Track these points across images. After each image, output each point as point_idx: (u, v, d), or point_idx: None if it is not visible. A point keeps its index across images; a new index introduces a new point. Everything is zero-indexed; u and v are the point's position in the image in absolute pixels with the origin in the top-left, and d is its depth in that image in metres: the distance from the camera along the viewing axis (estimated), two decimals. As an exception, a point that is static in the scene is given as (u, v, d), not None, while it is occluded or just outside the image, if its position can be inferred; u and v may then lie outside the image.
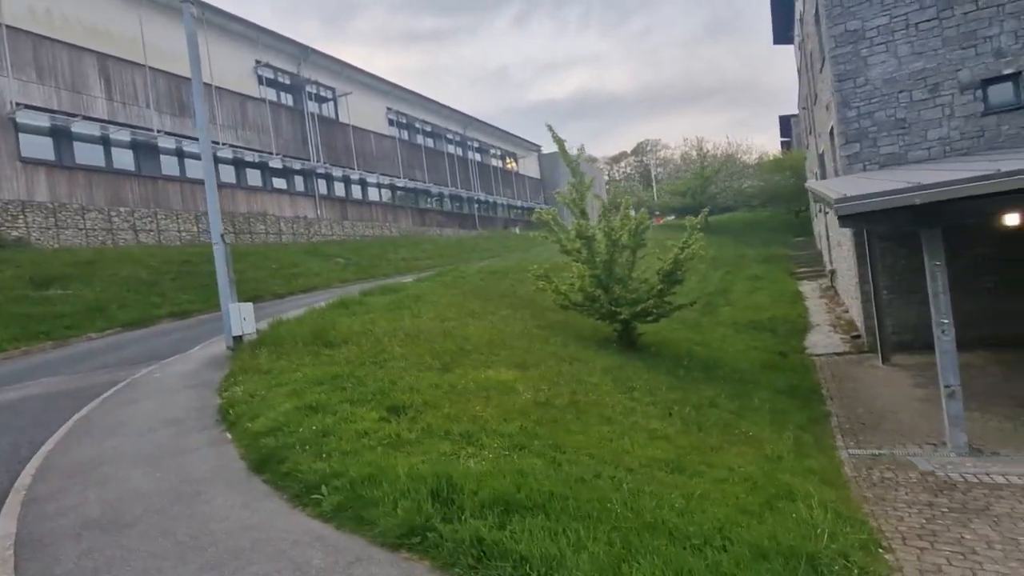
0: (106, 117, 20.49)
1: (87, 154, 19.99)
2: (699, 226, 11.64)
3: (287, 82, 29.08)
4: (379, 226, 33.58)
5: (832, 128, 14.03)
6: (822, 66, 14.82)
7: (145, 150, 21.69)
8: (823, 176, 17.51)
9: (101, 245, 19.52)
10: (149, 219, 21.41)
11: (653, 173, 57.46)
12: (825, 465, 6.37)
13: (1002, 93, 11.75)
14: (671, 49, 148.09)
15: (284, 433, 5.53)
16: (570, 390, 7.60)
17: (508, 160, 51.28)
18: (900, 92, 12.43)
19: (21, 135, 18.24)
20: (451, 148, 42.70)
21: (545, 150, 56.51)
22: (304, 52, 29.52)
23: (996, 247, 11.43)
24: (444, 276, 17.41)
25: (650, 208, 12.35)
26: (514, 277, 18.04)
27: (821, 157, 17.87)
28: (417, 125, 39.31)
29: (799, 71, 25.29)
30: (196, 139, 22.61)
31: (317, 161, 29.36)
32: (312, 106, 30.05)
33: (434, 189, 39.30)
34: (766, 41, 60.88)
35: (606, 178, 60.35)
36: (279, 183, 27.71)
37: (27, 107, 18.26)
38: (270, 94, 27.76)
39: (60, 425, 6.93)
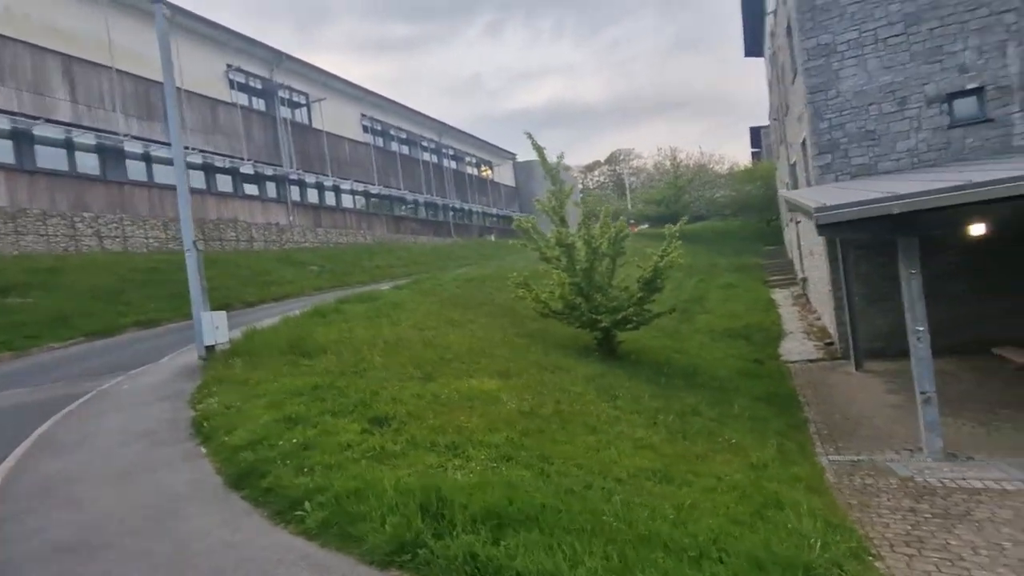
0: (70, 120, 19.83)
1: (49, 158, 19.29)
2: (677, 234, 11.74)
3: (259, 87, 28.61)
4: (353, 233, 33.18)
5: (805, 139, 14.34)
6: (794, 78, 15.16)
7: (111, 154, 21.05)
8: (795, 186, 17.88)
9: (64, 252, 18.84)
10: (115, 225, 20.75)
11: (627, 182, 58.07)
12: (809, 472, 6.41)
13: (967, 107, 12.16)
14: (643, 60, 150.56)
15: (263, 446, 5.35)
16: (554, 399, 7.54)
17: (483, 168, 51.30)
18: (870, 104, 12.77)
19: (-21, 137, 17.53)
20: (426, 155, 42.52)
21: (520, 158, 56.64)
22: (277, 57, 29.12)
23: (963, 256, 11.77)
24: (422, 284, 17.24)
25: (625, 217, 12.43)
26: (492, 285, 17.95)
27: (793, 167, 18.25)
28: (392, 132, 39.06)
29: (770, 83, 25.87)
30: (165, 143, 22.14)
31: (290, 167, 28.90)
32: (285, 111, 29.61)
33: (409, 196, 39.05)
34: (736, 53, 62.25)
35: (579, 187, 60.85)
36: (251, 189, 27.18)
37: (-14, 108, 17.56)
38: (241, 99, 27.26)
39: (22, 441, 6.59)
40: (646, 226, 38.68)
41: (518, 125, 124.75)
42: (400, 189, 38.07)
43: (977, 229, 9.10)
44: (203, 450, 5.77)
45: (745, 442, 7.43)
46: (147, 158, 22.33)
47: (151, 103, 22.46)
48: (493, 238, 46.13)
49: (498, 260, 28.18)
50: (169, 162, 22.59)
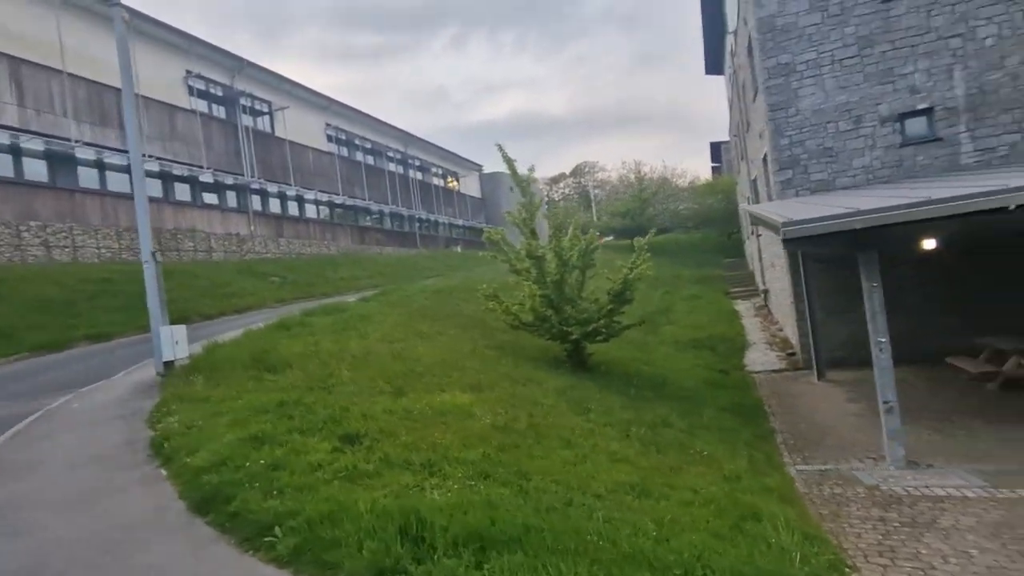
0: (17, 125, 18.93)
1: (-6, 164, 18.38)
2: (646, 246, 11.87)
3: (220, 94, 27.94)
4: (317, 244, 32.58)
5: (766, 155, 14.75)
6: (755, 96, 15.61)
7: (61, 161, 20.17)
8: (756, 200, 18.36)
9: (8, 262, 17.90)
10: (64, 235, 19.84)
11: (592, 194, 58.79)
12: (780, 483, 6.50)
13: (917, 126, 12.72)
14: (606, 75, 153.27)
15: (229, 468, 5.12)
16: (527, 413, 7.47)
17: (449, 179, 51.19)
18: (828, 123, 13.23)
19: (-85, 141, 16.55)
20: (392, 166, 42.18)
21: (487, 169, 56.77)
22: (239, 64, 28.50)
23: (916, 270, 12.24)
24: (389, 296, 16.99)
25: (594, 230, 12.54)
26: (460, 296, 17.82)
27: (754, 182, 18.75)
28: (357, 142, 38.64)
29: (730, 101, 26.62)
30: (119, 150, 21.37)
31: (251, 176, 28.24)
32: (247, 119, 28.97)
33: (374, 207, 38.62)
34: (697, 71, 64.03)
35: (545, 199, 61.28)
36: (210, 198, 26.43)
37: (-77, 111, 16.62)
38: (201, 106, 26.55)
39: (-39, 466, 6.15)
40: (611, 238, 39.14)
41: (483, 136, 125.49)
42: (365, 199, 37.63)
43: (929, 244, 9.52)
44: (163, 473, 5.48)
45: (716, 453, 7.50)
46: (100, 165, 21.49)
47: (104, 108, 21.65)
48: (459, 249, 45.98)
49: (465, 271, 28.04)
50: (123, 169, 21.82)
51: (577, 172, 68.46)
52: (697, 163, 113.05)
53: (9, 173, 18.75)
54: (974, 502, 5.89)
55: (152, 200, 22.33)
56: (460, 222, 50.94)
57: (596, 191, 60.69)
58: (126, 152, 21.42)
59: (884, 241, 7.62)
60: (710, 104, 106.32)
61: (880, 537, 5.11)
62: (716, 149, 46.62)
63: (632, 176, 45.74)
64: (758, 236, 20.17)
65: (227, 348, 9.73)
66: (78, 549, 4.11)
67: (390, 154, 42.08)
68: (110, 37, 20.95)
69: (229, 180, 27.01)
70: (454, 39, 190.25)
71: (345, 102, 37.06)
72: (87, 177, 21.10)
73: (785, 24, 13.50)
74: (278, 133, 31.09)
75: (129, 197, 21.69)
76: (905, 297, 12.37)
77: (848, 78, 13.07)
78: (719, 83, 31.77)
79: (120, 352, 12.77)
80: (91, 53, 20.83)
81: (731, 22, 18.98)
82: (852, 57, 13.04)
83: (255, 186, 28.53)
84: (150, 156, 22.63)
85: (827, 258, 12.58)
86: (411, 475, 4.96)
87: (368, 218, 38.67)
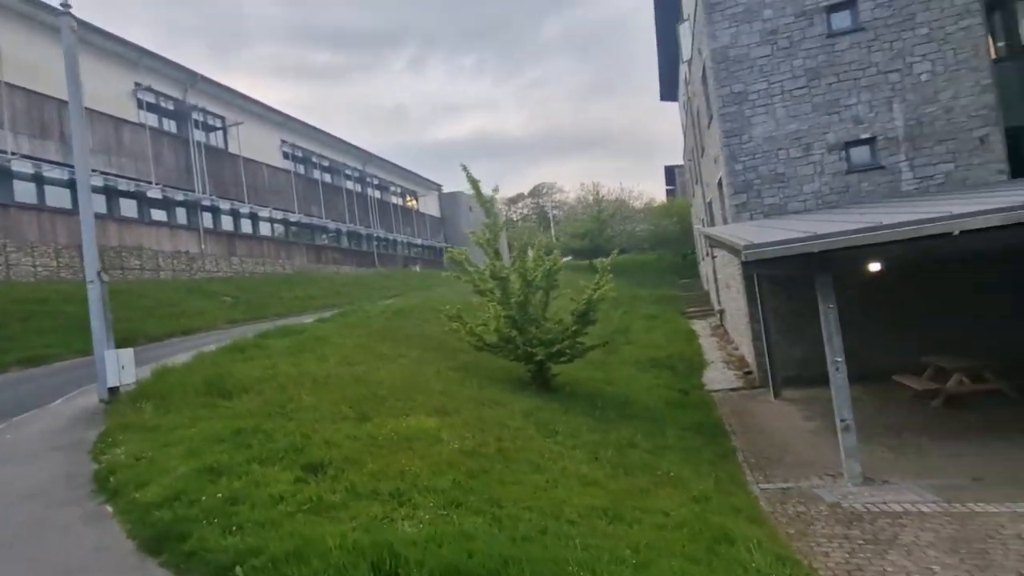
0: (-54, 135, 17.84)
1: (-81, 176, 17.21)
2: (609, 268, 12.00)
3: (171, 108, 27.06)
4: (271, 262, 31.70)
5: (721, 179, 15.23)
6: (710, 122, 16.15)
7: (-5, 174, 19.06)
8: (712, 223, 18.90)
9: (-68, 281, 16.70)
10: (-4, 252, 18.68)
11: (550, 215, 59.45)
12: (746, 502, 6.57)
13: (861, 155, 13.38)
14: (563, 99, 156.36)
15: (182, 503, 4.81)
16: (495, 436, 7.36)
17: (408, 198, 50.87)
18: (779, 149, 13.78)
19: None
20: (350, 184, 41.65)
21: (446, 189, 56.72)
22: (191, 78, 27.73)
23: (861, 291, 12.75)
24: (348, 317, 16.61)
25: (550, 249, 12.58)
26: (420, 317, 17.59)
27: (709, 205, 19.31)
28: (314, 159, 38.02)
29: (684, 126, 27.50)
30: (59, 163, 20.38)
31: (203, 192, 27.34)
32: (199, 135, 28.12)
33: (331, 225, 37.94)
34: (652, 97, 66.07)
35: (504, 219, 61.40)
36: (158, 215, 25.41)
37: None
38: (151, 119, 25.64)
39: None
40: (570, 258, 39.56)
41: (443, 156, 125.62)
42: (322, 218, 36.95)
43: (875, 267, 9.97)
44: (109, 509, 5.11)
45: (683, 474, 7.55)
46: (39, 179, 20.40)
47: (44, 120, 20.64)
48: (418, 268, 45.59)
49: (425, 291, 27.77)
50: (64, 184, 20.81)
51: (535, 193, 69.17)
52: (652, 185, 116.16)
53: (-64, 186, 17.60)
54: (930, 517, 6.09)
55: (96, 216, 21.33)
56: (419, 241, 50.60)
57: (554, 212, 61.40)
58: (67, 166, 20.46)
59: (839, 264, 7.92)
60: (664, 129, 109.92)
61: (847, 555, 5.21)
62: (670, 172, 48.02)
63: (590, 197, 46.47)
64: (713, 257, 20.72)
65: (178, 372, 9.26)
66: (13, 598, 3.76)
67: (348, 172, 41.56)
68: (50, 45, 20.12)
69: (179, 196, 26.08)
70: (413, 60, 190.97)
71: (302, 119, 36.53)
72: (23, 191, 19.98)
73: (738, 55, 14.06)
74: (232, 149, 30.29)
75: (68, 213, 20.68)
76: (853, 317, 12.86)
77: (797, 108, 13.68)
78: (673, 109, 32.85)
79: (59, 377, 12.00)
80: (31, 62, 19.90)
81: (686, 51, 19.65)
82: (801, 88, 13.67)
83: (206, 203, 27.63)
84: (95, 171, 21.64)
85: (781, 280, 12.99)
86: (380, 505, 4.77)
87: (325, 236, 37.95)
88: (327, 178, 39.29)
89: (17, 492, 5.69)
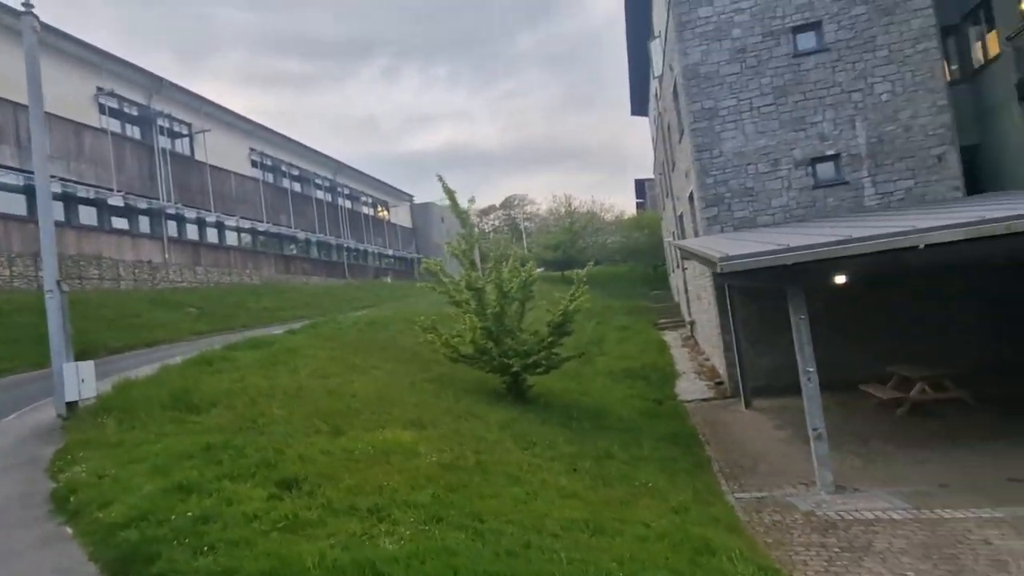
0: None
1: None
2: (584, 279, 12.05)
3: (135, 113, 26.39)
4: (238, 273, 31.00)
5: (692, 193, 15.48)
6: (681, 137, 16.45)
7: (-55, 178, 18.26)
8: (682, 235, 19.18)
9: None
10: (-55, 260, 17.84)
11: (522, 227, 59.70)
12: (724, 512, 6.61)
13: (827, 171, 13.78)
14: (536, 112, 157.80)
15: (150, 523, 4.61)
16: (473, 449, 7.27)
17: (380, 208, 50.48)
18: (748, 164, 14.09)
19: None
20: (320, 193, 41.13)
21: (418, 199, 56.48)
22: (156, 83, 27.11)
23: (827, 303, 13.07)
24: (319, 328, 16.31)
25: (525, 260, 12.61)
26: (393, 328, 17.38)
27: (680, 218, 19.61)
28: (283, 168, 37.47)
29: (654, 141, 27.96)
30: (12, 168, 19.63)
31: (167, 200, 26.65)
32: (164, 141, 27.46)
33: (301, 235, 37.36)
34: (623, 112, 67.16)
35: (476, 230, 61.45)
36: (120, 223, 24.66)
37: None
38: (114, 125, 24.94)
39: None
40: (542, 269, 39.72)
41: (415, 167, 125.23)
42: (291, 227, 36.37)
43: (841, 279, 10.22)
44: (69, 531, 4.86)
45: (660, 484, 7.57)
46: (-9, 185, 19.61)
47: None
48: (390, 279, 45.18)
49: (396, 302, 27.51)
50: (17, 190, 20.07)
51: (507, 204, 69.46)
52: (623, 199, 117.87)
53: None
54: (901, 524, 6.21)
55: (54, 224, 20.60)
56: (390, 252, 50.19)
57: (526, 223, 61.68)
58: (22, 171, 19.72)
59: (810, 276, 8.10)
60: (635, 143, 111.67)
61: (825, 563, 5.28)
62: (640, 186, 48.76)
63: (562, 209, 46.84)
64: (684, 269, 21.02)
65: (142, 386, 8.93)
66: (-35, 628, 3.53)
67: (318, 181, 41.06)
68: (7, 46, 19.40)
69: (142, 204, 25.36)
70: (385, 70, 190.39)
71: (272, 127, 36.01)
72: (-25, 198, 19.20)
73: (708, 72, 14.38)
74: (198, 156, 29.65)
75: (22, 220, 19.93)
76: (819, 328, 13.17)
77: (766, 124, 14.03)
78: (644, 123, 33.42)
79: (11, 392, 11.46)
80: (-14, 64, 19.21)
81: (657, 67, 20.03)
82: (769, 105, 14.03)
83: (171, 211, 26.93)
84: (53, 176, 20.89)
85: (752, 291, 13.23)
86: (358, 522, 4.65)
87: (294, 246, 37.34)
88: (297, 187, 38.75)
89: (-32, 514, 5.37)
